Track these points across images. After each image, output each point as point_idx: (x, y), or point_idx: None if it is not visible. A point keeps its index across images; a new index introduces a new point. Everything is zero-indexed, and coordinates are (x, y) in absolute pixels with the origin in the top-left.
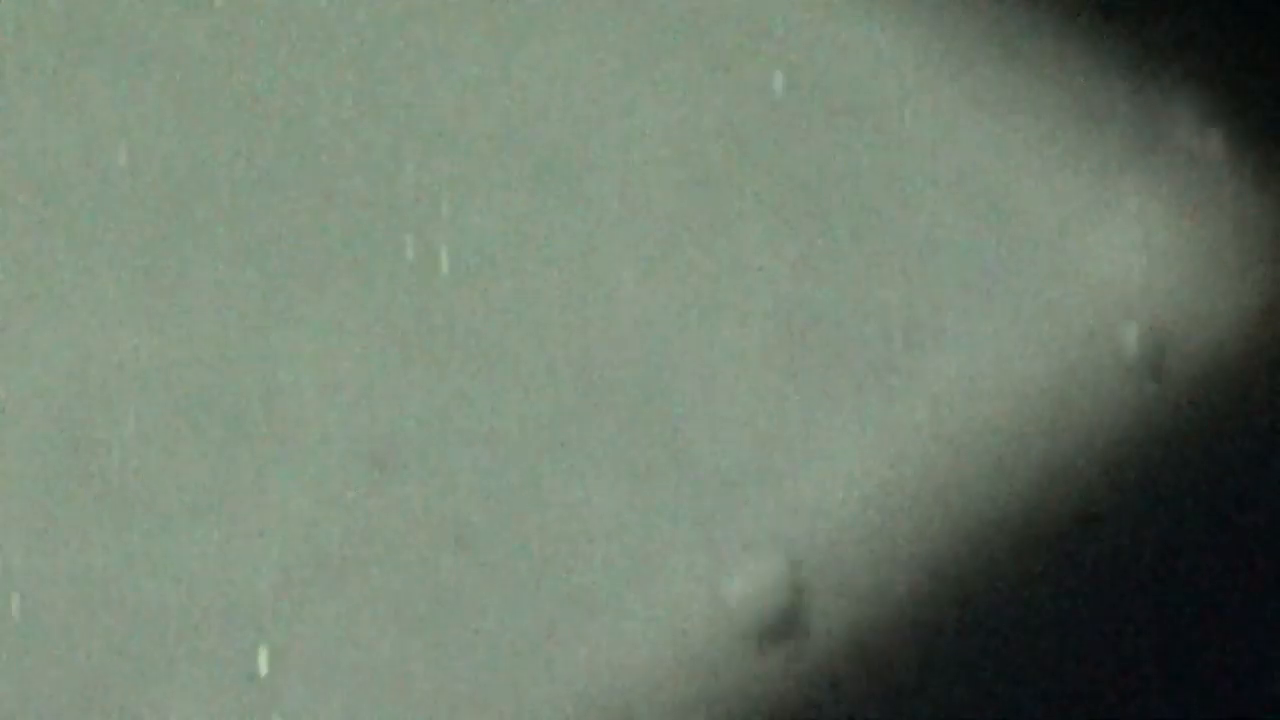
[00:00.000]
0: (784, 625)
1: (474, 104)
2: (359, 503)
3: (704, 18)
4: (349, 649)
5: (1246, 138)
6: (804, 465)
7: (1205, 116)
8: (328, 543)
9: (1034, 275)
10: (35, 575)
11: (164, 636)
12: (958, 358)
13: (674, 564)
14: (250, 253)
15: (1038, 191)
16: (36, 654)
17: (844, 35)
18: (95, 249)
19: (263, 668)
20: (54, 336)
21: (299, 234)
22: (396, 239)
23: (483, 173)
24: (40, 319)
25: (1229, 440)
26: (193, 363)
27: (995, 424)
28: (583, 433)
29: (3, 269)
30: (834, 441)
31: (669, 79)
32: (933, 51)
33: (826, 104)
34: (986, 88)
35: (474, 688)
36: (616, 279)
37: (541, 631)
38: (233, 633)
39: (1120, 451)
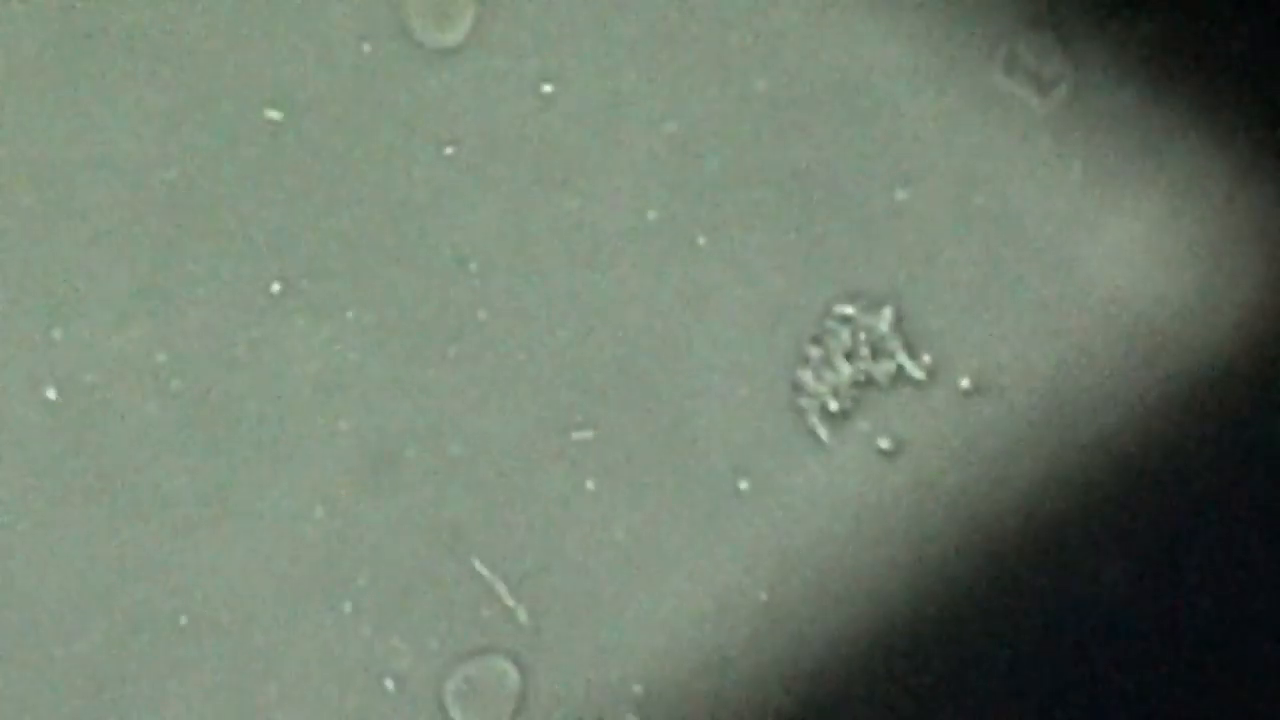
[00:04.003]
0: (783, 621)
1: (476, 104)
2: (359, 503)
3: (704, 19)
4: (349, 649)
5: (1246, 138)
6: (803, 464)
7: (1205, 117)
8: (328, 543)
9: (1034, 275)
10: (35, 574)
11: (163, 635)
12: (959, 357)
13: (674, 564)
14: (250, 253)
15: (1038, 193)
16: (36, 653)
17: (844, 35)
18: (96, 249)
19: (262, 665)
20: (54, 336)
21: (299, 234)
22: (397, 240)
23: (484, 173)
24: (40, 319)
25: (1229, 439)
26: (193, 363)
27: (996, 423)
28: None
29: (3, 269)
30: (833, 440)
31: (669, 79)
32: (932, 51)
33: (826, 104)
34: (987, 88)
35: (474, 687)
36: (616, 279)
37: (541, 631)
38: (232, 632)
39: (1121, 451)
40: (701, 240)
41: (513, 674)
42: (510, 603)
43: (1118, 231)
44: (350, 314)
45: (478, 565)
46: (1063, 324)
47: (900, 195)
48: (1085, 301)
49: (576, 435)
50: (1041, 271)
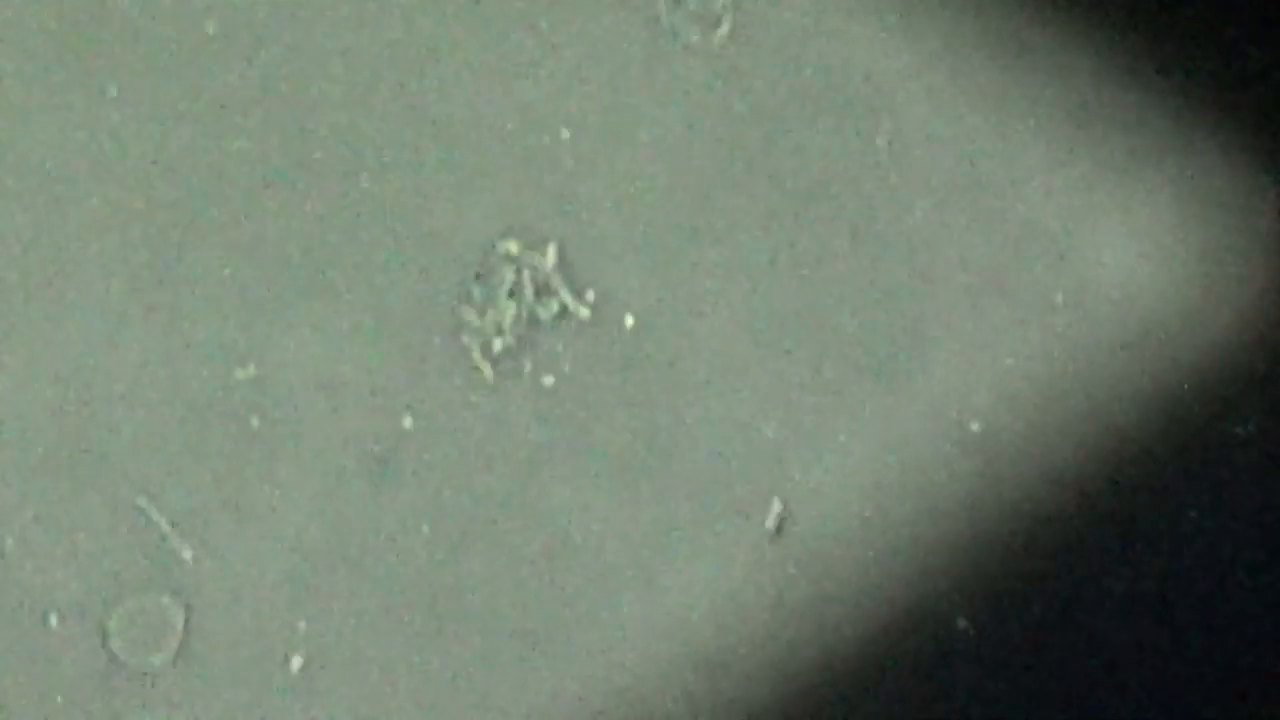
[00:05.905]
0: (780, 625)
1: (475, 105)
2: (359, 503)
3: (704, 21)
4: (348, 649)
5: (1246, 137)
6: (802, 464)
7: (1205, 116)
8: (328, 543)
9: (1034, 275)
10: (34, 574)
11: (163, 637)
12: (958, 358)
13: (673, 563)
14: (250, 253)
15: (1038, 191)
16: (37, 654)
17: (843, 34)
18: (95, 249)
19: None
20: (54, 336)
21: (299, 234)
22: (397, 240)
23: (483, 173)
24: (40, 319)
25: (1229, 439)
26: (193, 363)
27: (996, 423)
28: (582, 433)
29: (3, 269)
30: (832, 440)
31: (668, 78)
32: (932, 51)
33: (826, 103)
34: (986, 88)
35: (474, 686)
36: (616, 278)
37: (541, 630)
38: (232, 633)
39: (1120, 449)
40: (697, 235)
41: (177, 610)
42: (175, 541)
43: (1118, 231)
44: (343, 303)
45: (143, 503)
46: (1060, 322)
47: (899, 193)
48: (1085, 301)
49: (569, 429)
50: (1041, 271)
